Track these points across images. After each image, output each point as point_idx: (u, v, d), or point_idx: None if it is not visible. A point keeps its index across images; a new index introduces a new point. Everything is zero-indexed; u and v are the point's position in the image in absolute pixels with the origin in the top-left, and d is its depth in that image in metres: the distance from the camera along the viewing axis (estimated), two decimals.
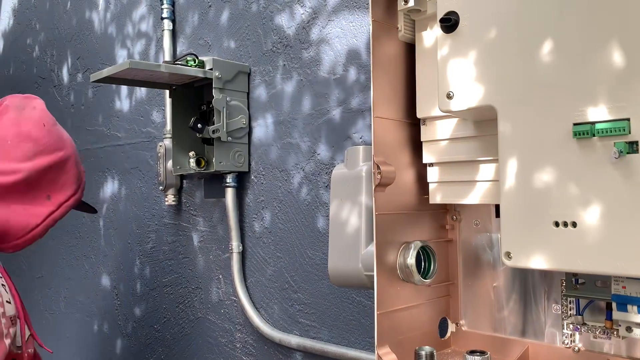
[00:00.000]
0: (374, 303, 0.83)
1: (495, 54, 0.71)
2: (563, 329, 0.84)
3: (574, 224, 0.65)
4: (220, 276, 1.56)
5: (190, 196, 1.65)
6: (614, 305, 0.73)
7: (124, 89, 1.91)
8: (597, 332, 0.80)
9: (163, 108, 1.72)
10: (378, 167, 0.82)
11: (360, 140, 1.22)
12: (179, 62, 1.40)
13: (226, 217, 1.48)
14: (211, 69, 1.39)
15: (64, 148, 1.19)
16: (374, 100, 0.84)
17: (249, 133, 1.47)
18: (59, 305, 2.26)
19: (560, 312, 0.85)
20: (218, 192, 1.54)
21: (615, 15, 0.62)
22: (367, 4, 1.19)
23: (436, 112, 0.84)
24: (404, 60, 0.91)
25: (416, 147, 0.91)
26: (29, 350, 1.13)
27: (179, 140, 1.50)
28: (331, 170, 1.23)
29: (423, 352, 0.84)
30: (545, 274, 0.87)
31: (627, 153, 0.61)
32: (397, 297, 0.88)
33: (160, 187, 1.64)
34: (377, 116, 0.85)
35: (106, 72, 1.34)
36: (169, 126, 1.63)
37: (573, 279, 0.79)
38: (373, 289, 0.83)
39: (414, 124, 0.91)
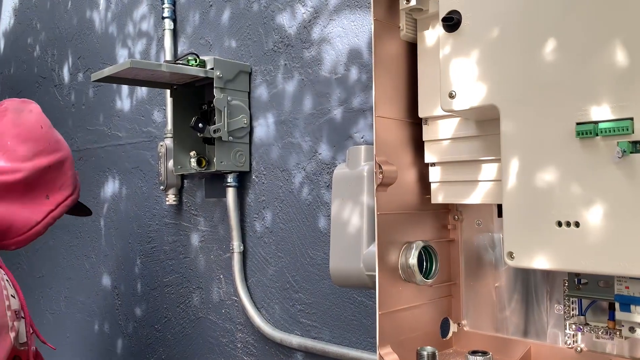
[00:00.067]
0: (375, 303, 0.83)
1: (497, 53, 0.71)
2: (565, 329, 0.83)
3: (577, 224, 0.65)
4: (221, 276, 1.55)
5: (191, 196, 1.65)
6: (617, 305, 0.73)
7: (124, 88, 1.91)
8: (600, 333, 0.79)
9: (164, 108, 1.72)
10: (380, 167, 0.82)
11: (362, 139, 1.22)
12: (180, 62, 1.40)
13: (227, 216, 1.48)
14: (212, 69, 1.39)
15: (61, 150, 1.23)
16: (375, 100, 0.84)
17: (250, 133, 1.46)
18: (60, 305, 2.26)
19: (562, 312, 0.84)
20: (219, 191, 1.54)
21: (618, 14, 0.62)
22: (369, 3, 1.19)
23: (438, 111, 0.84)
24: (406, 59, 0.91)
25: (418, 146, 0.91)
26: (32, 348, 1.14)
27: (180, 140, 1.49)
28: (332, 170, 1.23)
29: (425, 353, 0.83)
30: (547, 274, 0.87)
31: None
32: (398, 297, 0.87)
33: (161, 187, 1.64)
34: (379, 116, 0.85)
35: (107, 71, 1.34)
36: (169, 126, 1.63)
37: (575, 279, 0.79)
38: (374, 289, 0.83)
39: (415, 124, 0.90)
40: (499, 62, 0.71)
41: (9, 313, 1.04)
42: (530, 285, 0.89)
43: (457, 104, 0.74)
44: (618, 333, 0.76)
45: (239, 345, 1.51)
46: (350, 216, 0.93)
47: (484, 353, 0.85)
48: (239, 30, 1.51)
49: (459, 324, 0.96)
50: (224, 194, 1.49)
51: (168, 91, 1.59)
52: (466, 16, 0.73)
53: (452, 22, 0.73)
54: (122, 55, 1.93)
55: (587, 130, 0.63)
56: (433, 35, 0.86)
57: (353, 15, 1.24)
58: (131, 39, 1.89)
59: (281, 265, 1.39)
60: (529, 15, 0.68)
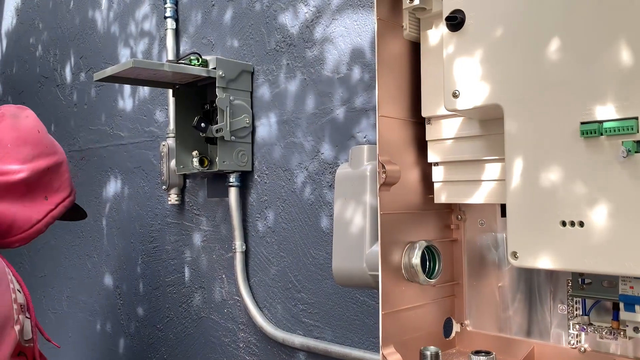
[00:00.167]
0: (378, 303, 0.83)
1: (501, 53, 0.71)
2: (569, 329, 0.83)
3: (581, 224, 0.64)
4: (224, 276, 1.55)
5: (194, 195, 1.65)
6: (621, 305, 0.72)
7: (127, 88, 1.91)
8: (604, 333, 0.79)
9: (166, 107, 1.72)
10: (383, 167, 0.81)
11: (364, 139, 1.21)
12: (183, 61, 1.40)
13: (229, 216, 1.48)
14: (214, 68, 1.39)
15: (57, 153, 1.28)
16: (378, 99, 0.84)
17: (253, 132, 1.46)
18: (62, 305, 2.26)
19: (566, 312, 0.84)
20: (221, 191, 1.54)
21: (622, 13, 0.61)
22: (372, 2, 1.19)
23: (441, 111, 0.84)
24: (409, 59, 0.90)
25: (421, 146, 0.90)
26: (37, 345, 1.16)
27: (182, 139, 1.49)
28: (335, 170, 1.23)
29: (428, 352, 0.83)
30: (550, 274, 0.86)
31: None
32: (401, 297, 0.87)
33: (164, 187, 1.64)
34: (382, 115, 0.84)
35: (109, 71, 1.34)
36: (172, 125, 1.62)
37: (579, 279, 0.79)
38: (377, 289, 0.83)
39: (418, 123, 0.90)
40: (502, 62, 0.70)
41: (15, 306, 1.06)
42: (534, 285, 0.89)
43: (461, 104, 0.74)
44: (622, 333, 0.76)
45: (241, 345, 1.51)
46: (353, 216, 0.93)
47: (487, 353, 0.85)
48: (241, 29, 1.51)
49: (462, 324, 0.96)
50: (226, 194, 1.49)
51: (170, 91, 1.59)
52: (470, 15, 0.73)
53: (455, 21, 0.73)
54: (124, 55, 1.93)
55: (592, 130, 0.63)
56: (436, 34, 0.86)
57: (355, 14, 1.23)
58: (133, 39, 1.89)
59: (283, 265, 1.39)
60: (533, 15, 0.68)
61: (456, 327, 0.96)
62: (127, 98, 1.91)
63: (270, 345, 1.42)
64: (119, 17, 1.95)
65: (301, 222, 1.35)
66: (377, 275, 0.83)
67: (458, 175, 0.85)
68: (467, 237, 0.96)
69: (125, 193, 1.92)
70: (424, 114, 0.88)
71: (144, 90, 1.83)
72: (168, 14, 1.67)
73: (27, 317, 1.12)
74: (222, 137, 1.38)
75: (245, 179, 1.49)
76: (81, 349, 2.14)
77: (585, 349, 0.81)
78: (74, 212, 1.39)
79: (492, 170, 0.81)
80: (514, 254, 0.69)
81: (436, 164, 0.88)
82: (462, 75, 0.73)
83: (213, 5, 1.59)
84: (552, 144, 0.66)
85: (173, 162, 1.57)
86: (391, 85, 0.87)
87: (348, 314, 1.25)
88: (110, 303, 1.99)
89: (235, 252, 1.47)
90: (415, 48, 0.90)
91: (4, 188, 1.15)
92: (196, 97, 1.51)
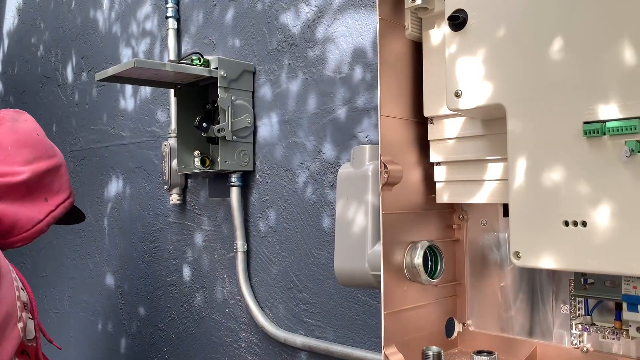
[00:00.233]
0: (380, 303, 0.82)
1: (504, 52, 0.70)
2: (571, 329, 0.83)
3: (584, 224, 0.64)
4: (225, 275, 1.55)
5: (195, 195, 1.65)
6: (624, 305, 0.72)
7: (128, 88, 1.91)
8: (606, 333, 0.79)
9: (168, 107, 1.72)
10: (385, 166, 0.81)
11: (366, 139, 1.21)
12: (184, 61, 1.40)
13: (231, 216, 1.48)
14: (216, 68, 1.39)
15: (56, 155, 1.30)
16: (380, 99, 0.83)
17: (254, 132, 1.46)
18: (63, 305, 2.26)
19: (568, 312, 0.84)
20: (223, 191, 1.54)
21: (625, 12, 0.61)
22: (373, 2, 1.19)
23: (443, 110, 0.83)
24: (411, 58, 0.90)
25: (423, 146, 0.90)
26: (40, 345, 1.17)
27: (183, 139, 1.49)
28: (336, 170, 1.23)
29: (430, 352, 0.83)
30: (553, 274, 0.86)
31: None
32: (404, 297, 0.87)
33: (165, 187, 1.64)
34: (384, 115, 0.84)
35: (111, 71, 1.34)
36: (173, 125, 1.63)
37: (582, 279, 0.79)
38: (379, 289, 0.83)
39: (421, 123, 0.90)
40: (505, 61, 0.70)
41: (18, 303, 1.07)
42: (536, 285, 0.88)
43: (464, 103, 0.74)
44: (625, 333, 0.76)
45: (242, 345, 1.51)
46: (355, 216, 0.93)
47: (490, 353, 0.85)
48: (243, 29, 1.51)
49: (464, 324, 0.96)
50: (227, 194, 1.49)
51: (172, 91, 1.59)
52: (472, 15, 0.73)
53: (458, 20, 0.73)
54: (125, 55, 1.93)
55: (595, 130, 0.63)
56: (438, 34, 0.86)
57: (357, 14, 1.23)
58: (135, 39, 1.89)
59: (285, 265, 1.39)
60: (535, 14, 0.68)
61: (458, 327, 0.96)
62: (128, 98, 1.91)
63: (271, 345, 1.42)
64: (121, 17, 1.95)
65: (303, 222, 1.35)
66: (379, 275, 0.83)
67: (460, 175, 0.85)
68: (469, 237, 0.96)
69: (126, 193, 1.92)
70: (426, 113, 0.88)
71: (146, 90, 1.84)
72: (169, 13, 1.67)
73: (30, 317, 1.12)
74: (224, 137, 1.38)
75: (246, 178, 1.49)
76: (83, 349, 2.14)
77: (587, 349, 0.81)
78: (73, 215, 1.40)
79: (494, 170, 0.81)
80: (517, 254, 0.69)
81: (438, 163, 0.88)
82: (465, 75, 0.73)
83: (214, 5, 1.59)
84: (554, 143, 0.66)
85: (175, 162, 1.57)
86: (393, 85, 0.87)
87: (350, 313, 1.25)
88: (111, 303, 1.99)
89: (236, 251, 1.47)
90: (417, 48, 0.90)
91: (5, 189, 1.16)
92: (198, 97, 1.51)
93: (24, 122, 1.27)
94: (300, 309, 1.35)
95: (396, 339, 0.84)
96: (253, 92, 1.46)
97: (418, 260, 0.86)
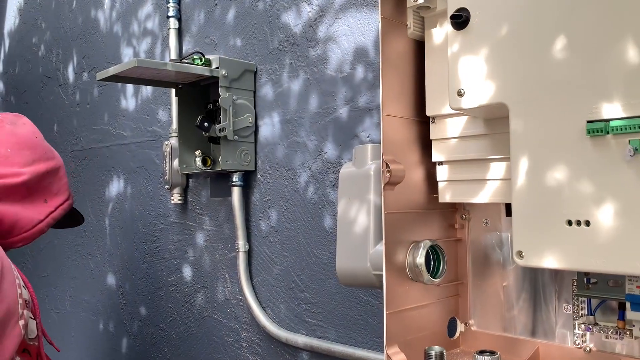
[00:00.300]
0: (382, 302, 0.82)
1: (506, 51, 0.70)
2: (574, 329, 0.83)
3: (588, 223, 0.64)
4: (227, 275, 1.55)
5: (196, 195, 1.65)
6: (627, 305, 0.72)
7: (129, 87, 1.91)
8: (609, 333, 0.79)
9: (169, 107, 1.72)
10: (387, 166, 0.81)
11: (368, 138, 1.21)
12: (185, 61, 1.40)
13: (232, 216, 1.48)
14: (217, 68, 1.38)
15: (55, 158, 1.31)
16: (383, 98, 0.83)
17: (256, 132, 1.46)
18: (65, 304, 2.26)
19: (571, 312, 0.84)
20: (224, 191, 1.54)
21: (629, 10, 0.61)
22: (375, 1, 1.19)
23: (446, 109, 0.83)
24: (413, 57, 0.90)
25: (425, 145, 0.90)
26: (42, 344, 1.17)
27: (185, 139, 1.49)
28: (338, 169, 1.23)
29: (433, 352, 0.83)
30: (555, 273, 0.86)
31: None
32: (406, 297, 0.87)
33: (166, 186, 1.64)
34: (386, 114, 0.84)
35: (112, 70, 1.34)
36: (175, 125, 1.62)
37: (585, 279, 0.78)
38: (381, 289, 0.82)
39: (423, 122, 0.90)
40: (508, 60, 0.70)
41: (20, 301, 1.07)
42: (539, 284, 0.88)
43: (466, 102, 0.74)
44: (628, 333, 0.76)
45: (244, 345, 1.50)
46: (357, 215, 0.93)
47: (492, 353, 0.84)
48: (244, 29, 1.50)
49: (466, 324, 0.96)
50: (229, 193, 1.49)
51: (173, 90, 1.58)
52: (475, 14, 0.73)
53: (460, 19, 0.73)
54: (127, 55, 1.93)
55: (598, 129, 0.63)
56: (441, 33, 0.86)
57: (359, 13, 1.23)
58: (136, 38, 1.88)
59: (286, 265, 1.39)
60: (538, 12, 0.68)
61: (460, 327, 0.96)
62: (129, 97, 1.91)
63: (273, 345, 1.42)
64: (122, 17, 1.95)
65: (304, 221, 1.35)
66: (381, 275, 0.82)
67: (463, 175, 0.85)
68: (471, 236, 0.96)
69: (128, 193, 1.92)
70: (428, 112, 0.88)
71: (147, 90, 1.83)
72: (171, 13, 1.67)
73: (31, 317, 1.12)
74: (225, 137, 1.38)
75: (248, 178, 1.48)
76: (84, 349, 2.14)
77: (590, 349, 0.81)
78: (72, 217, 1.41)
79: (497, 169, 0.81)
80: (520, 254, 0.69)
81: (440, 163, 0.88)
82: (467, 74, 0.73)
83: (216, 4, 1.59)
84: (558, 142, 0.66)
85: (176, 162, 1.56)
86: (395, 84, 0.87)
87: (352, 313, 1.25)
88: (113, 303, 1.99)
89: (238, 251, 1.47)
90: (419, 47, 0.90)
91: (5, 190, 1.17)
92: (199, 97, 1.51)
93: (23, 126, 1.28)
94: (302, 308, 1.35)
95: (398, 339, 0.84)
96: (254, 92, 1.46)
97: (420, 259, 0.86)
